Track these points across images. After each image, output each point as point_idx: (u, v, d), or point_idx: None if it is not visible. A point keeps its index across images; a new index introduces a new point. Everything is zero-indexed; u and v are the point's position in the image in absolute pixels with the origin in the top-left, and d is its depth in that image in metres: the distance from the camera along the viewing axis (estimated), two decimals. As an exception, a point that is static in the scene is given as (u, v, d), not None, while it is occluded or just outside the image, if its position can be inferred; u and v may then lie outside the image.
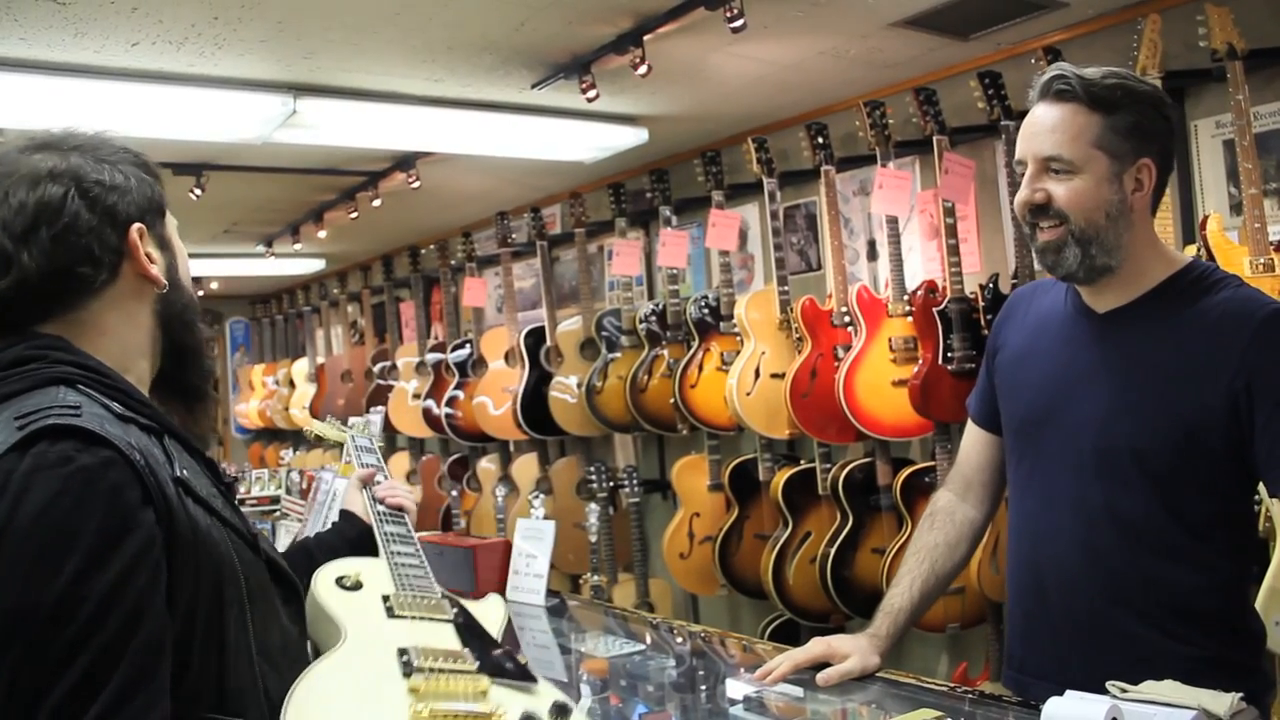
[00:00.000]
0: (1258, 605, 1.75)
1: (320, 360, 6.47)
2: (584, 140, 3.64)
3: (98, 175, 1.19)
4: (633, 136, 3.64)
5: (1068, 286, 1.67)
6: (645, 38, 2.73)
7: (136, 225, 1.20)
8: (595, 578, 3.95)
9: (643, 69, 2.77)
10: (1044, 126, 1.56)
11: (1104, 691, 1.29)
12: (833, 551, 3.22)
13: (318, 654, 1.30)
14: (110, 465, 1.02)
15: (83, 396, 1.09)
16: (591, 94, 2.95)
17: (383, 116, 3.22)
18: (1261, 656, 1.57)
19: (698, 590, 3.85)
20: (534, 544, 2.44)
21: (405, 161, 3.89)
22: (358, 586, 1.39)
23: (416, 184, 3.89)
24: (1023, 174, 1.60)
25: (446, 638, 1.34)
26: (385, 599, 1.38)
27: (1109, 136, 1.53)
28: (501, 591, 2.49)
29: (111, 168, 1.21)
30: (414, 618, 1.36)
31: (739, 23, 2.48)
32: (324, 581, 1.40)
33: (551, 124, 3.46)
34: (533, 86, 3.16)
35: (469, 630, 1.39)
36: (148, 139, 3.27)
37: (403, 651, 1.24)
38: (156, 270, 1.22)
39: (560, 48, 2.89)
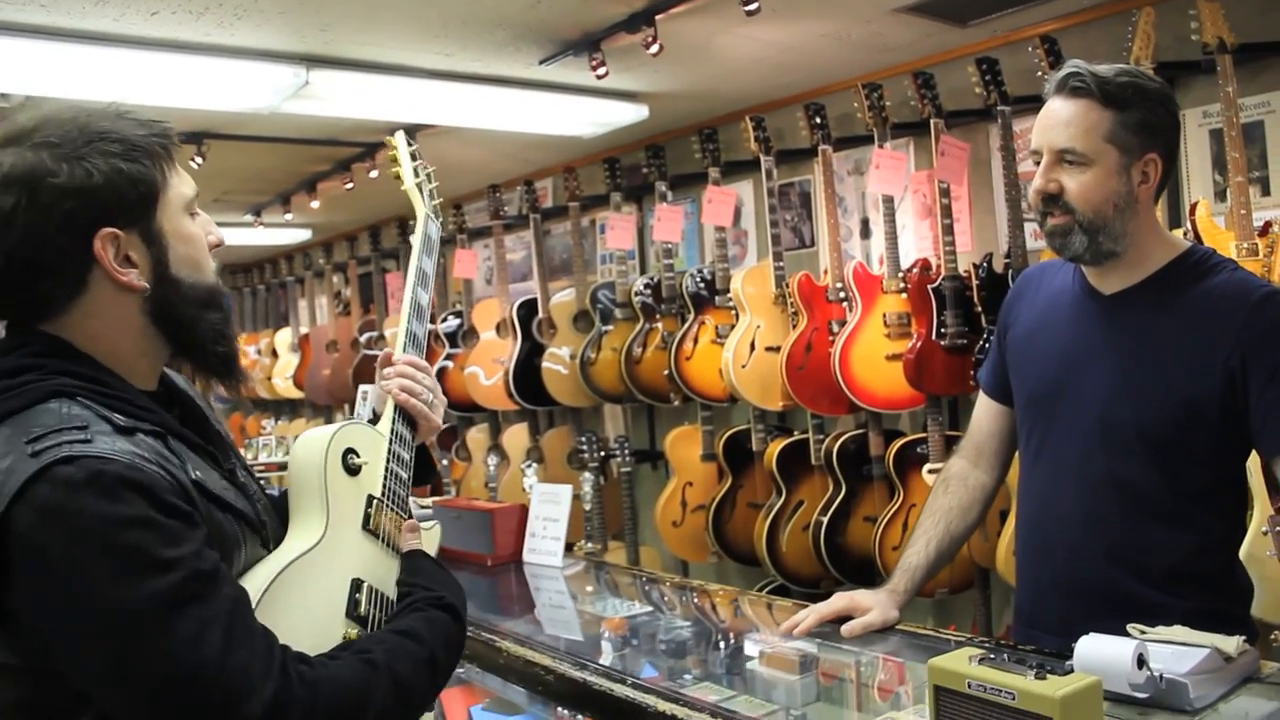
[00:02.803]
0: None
1: (304, 330, 6.49)
2: (585, 116, 3.70)
3: (57, 178, 1.09)
4: (633, 113, 3.70)
5: (1075, 268, 1.79)
6: (658, 17, 2.80)
7: (103, 232, 1.12)
8: (588, 545, 4.04)
9: (654, 48, 2.84)
10: (1059, 120, 1.67)
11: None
12: (826, 520, 3.34)
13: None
14: (137, 469, 1.04)
15: (86, 411, 1.09)
16: (601, 71, 3.02)
17: (392, 89, 3.25)
18: (1249, 608, 1.70)
19: (689, 557, 3.96)
20: (551, 508, 2.53)
21: (406, 133, 3.93)
22: (357, 472, 1.34)
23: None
24: (1038, 163, 1.71)
25: (391, 577, 1.34)
26: (369, 502, 1.34)
27: (1119, 131, 1.64)
28: (519, 554, 2.59)
29: (76, 164, 1.10)
30: (380, 542, 1.33)
31: (753, 5, 2.56)
32: (334, 451, 1.33)
33: (555, 99, 3.51)
34: (540, 62, 3.21)
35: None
36: (158, 107, 3.30)
37: (356, 586, 1.25)
38: (132, 276, 1.15)
39: (572, 25, 2.95)
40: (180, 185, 1.21)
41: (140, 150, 1.15)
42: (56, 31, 2.71)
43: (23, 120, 1.13)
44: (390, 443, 1.42)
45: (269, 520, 1.28)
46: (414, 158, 1.80)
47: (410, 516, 1.43)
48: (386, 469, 1.39)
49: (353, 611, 1.22)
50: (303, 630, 1.11)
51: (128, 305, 1.17)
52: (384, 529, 1.34)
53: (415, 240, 1.67)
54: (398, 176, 1.78)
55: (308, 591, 1.19)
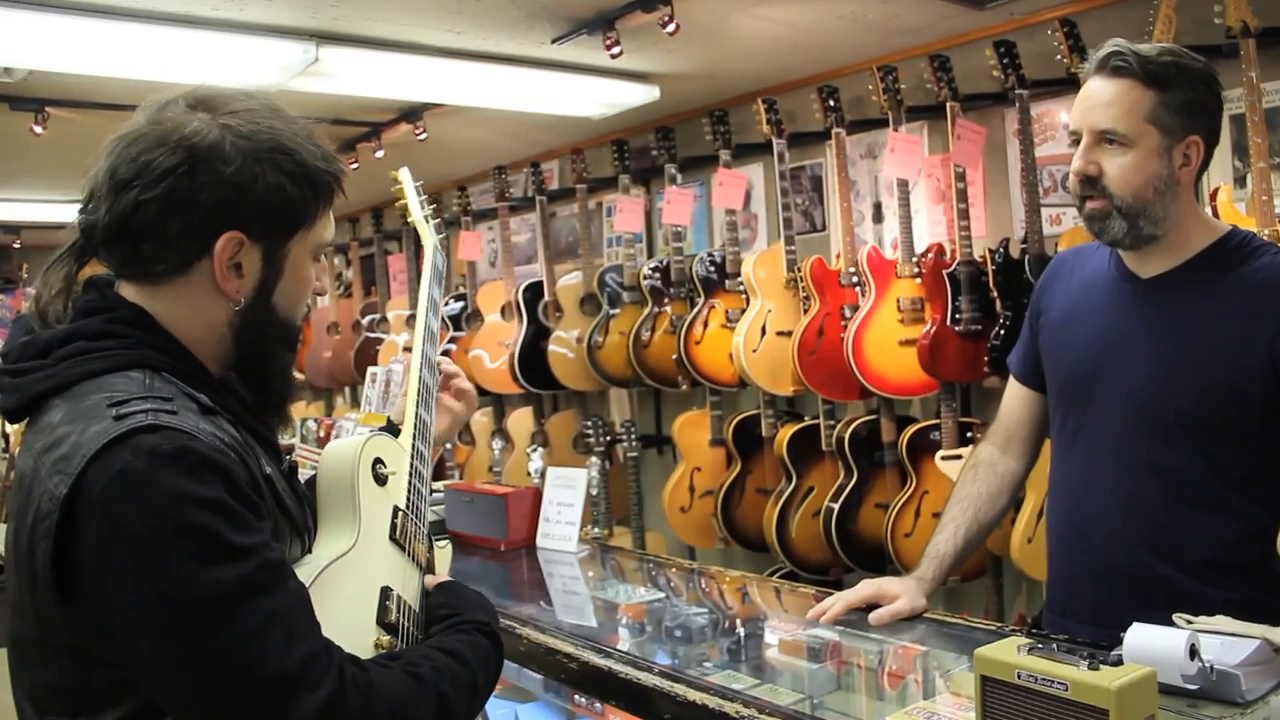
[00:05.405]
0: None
1: (304, 311, 6.44)
2: (595, 96, 3.66)
3: (227, 167, 1.09)
4: (643, 94, 3.66)
5: (1111, 252, 1.76)
6: (675, -4, 2.77)
7: (232, 233, 1.11)
8: (594, 530, 4.02)
9: (670, 27, 2.80)
10: (1100, 100, 1.63)
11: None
12: (837, 506, 3.32)
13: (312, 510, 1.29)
14: (221, 453, 1.03)
15: (170, 386, 1.08)
16: (615, 51, 2.98)
17: (401, 67, 3.21)
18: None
19: (697, 543, 3.94)
20: (566, 493, 2.50)
21: (413, 113, 3.89)
22: (384, 482, 1.34)
23: (424, 135, 3.89)
24: (1076, 144, 1.68)
25: (415, 589, 1.33)
26: (395, 512, 1.33)
27: (1161, 112, 1.60)
28: (532, 539, 2.56)
29: (250, 164, 1.11)
30: (405, 552, 1.33)
31: (774, -16, 2.52)
32: (365, 460, 1.31)
33: (566, 79, 3.47)
34: (553, 41, 3.17)
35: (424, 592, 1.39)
36: (164, 83, 3.26)
37: (385, 594, 1.23)
38: (234, 286, 1.14)
39: (586, 3, 2.91)
40: (323, 229, 1.22)
41: (310, 180, 1.16)
42: (63, 4, 2.66)
43: (229, 94, 1.15)
44: (411, 457, 1.42)
45: (314, 527, 1.27)
46: (419, 191, 1.86)
47: (428, 529, 1.43)
48: (409, 482, 1.39)
49: (383, 619, 1.21)
50: (337, 634, 1.09)
51: (217, 308, 1.16)
52: (409, 540, 1.33)
53: (425, 270, 1.70)
54: (405, 209, 1.83)
55: (342, 596, 1.18)
